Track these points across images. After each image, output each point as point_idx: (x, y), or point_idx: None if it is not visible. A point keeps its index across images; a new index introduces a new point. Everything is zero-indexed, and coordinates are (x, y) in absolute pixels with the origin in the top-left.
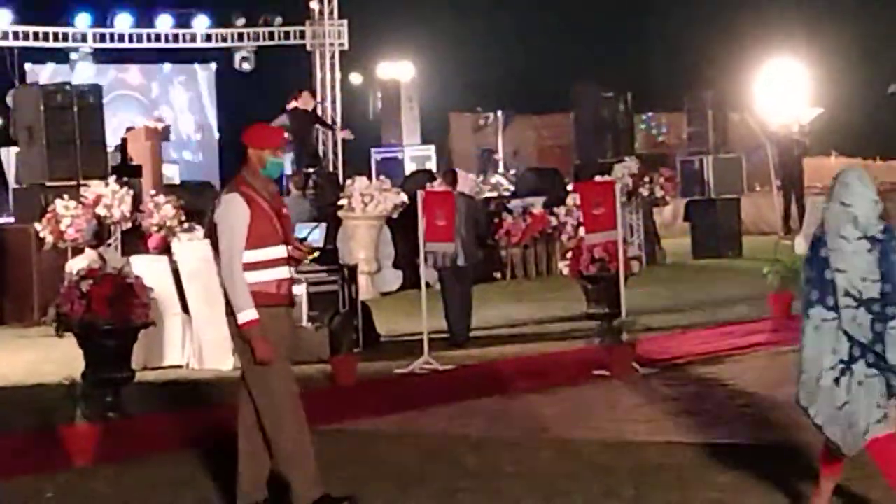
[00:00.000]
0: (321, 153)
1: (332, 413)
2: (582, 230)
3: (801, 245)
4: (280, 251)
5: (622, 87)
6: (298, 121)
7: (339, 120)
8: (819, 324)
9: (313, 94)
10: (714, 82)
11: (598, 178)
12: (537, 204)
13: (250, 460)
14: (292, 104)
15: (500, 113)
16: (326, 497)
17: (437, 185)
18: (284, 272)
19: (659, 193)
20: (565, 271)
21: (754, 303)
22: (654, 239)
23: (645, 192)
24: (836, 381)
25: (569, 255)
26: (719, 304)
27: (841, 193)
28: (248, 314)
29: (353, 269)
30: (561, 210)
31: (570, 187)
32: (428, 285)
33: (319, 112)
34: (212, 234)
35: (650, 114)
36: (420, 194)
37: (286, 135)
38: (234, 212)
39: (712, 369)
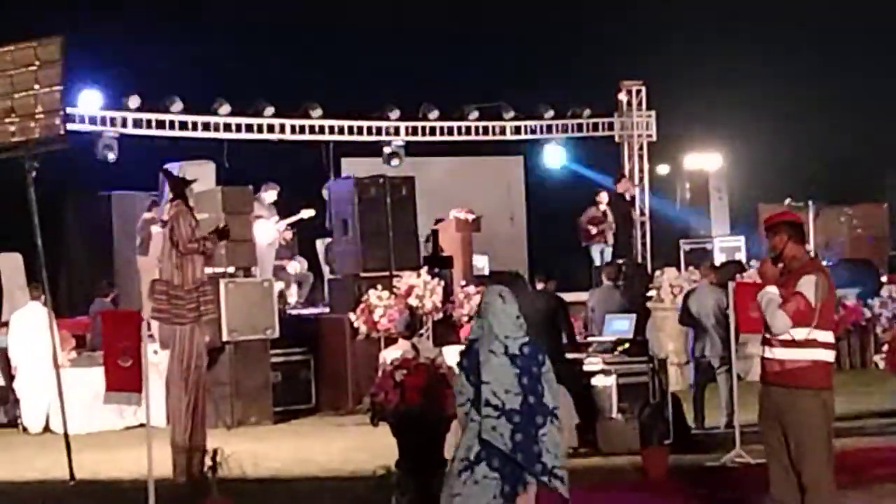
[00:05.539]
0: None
1: None
2: None
3: None
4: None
5: None
6: (617, 208)
7: (647, 211)
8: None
9: (631, 180)
10: None
11: None
12: (850, 295)
13: None
14: (616, 188)
15: (811, 203)
16: None
17: (746, 276)
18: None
19: None
20: (881, 364)
21: None
22: None
23: None
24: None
25: (885, 347)
26: None
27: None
28: None
29: (662, 361)
30: (875, 302)
31: (884, 279)
32: (739, 377)
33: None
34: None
35: None
36: (731, 286)
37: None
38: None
39: None
